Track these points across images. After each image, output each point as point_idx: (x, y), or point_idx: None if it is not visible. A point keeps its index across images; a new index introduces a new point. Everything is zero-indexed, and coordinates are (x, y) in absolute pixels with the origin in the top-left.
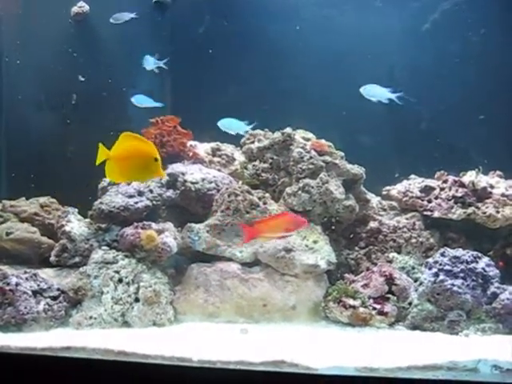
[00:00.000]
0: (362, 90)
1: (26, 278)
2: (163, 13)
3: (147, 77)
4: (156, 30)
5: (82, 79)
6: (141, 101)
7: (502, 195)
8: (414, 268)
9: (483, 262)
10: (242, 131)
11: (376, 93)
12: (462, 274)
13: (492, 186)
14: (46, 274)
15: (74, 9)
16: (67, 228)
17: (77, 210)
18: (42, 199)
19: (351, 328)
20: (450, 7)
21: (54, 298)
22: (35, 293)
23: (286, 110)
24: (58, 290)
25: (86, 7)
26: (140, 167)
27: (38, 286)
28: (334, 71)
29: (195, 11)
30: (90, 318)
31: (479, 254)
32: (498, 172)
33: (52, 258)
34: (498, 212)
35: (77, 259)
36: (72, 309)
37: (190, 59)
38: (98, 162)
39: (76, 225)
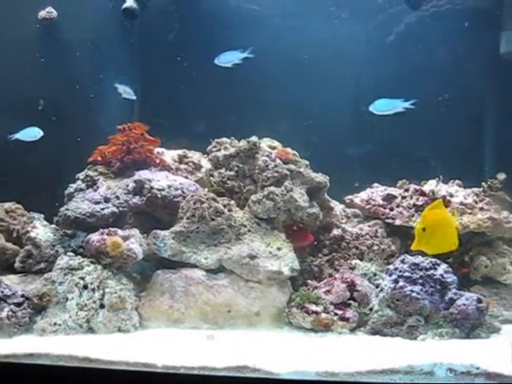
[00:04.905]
0: (371, 108)
1: None
2: (132, 20)
3: (114, 83)
4: (125, 37)
5: None
6: None
7: (461, 204)
8: (375, 274)
9: (441, 269)
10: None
11: (390, 106)
12: (420, 281)
13: (451, 195)
14: (10, 280)
15: (42, 13)
16: (32, 234)
17: (43, 215)
18: (7, 204)
19: (314, 333)
20: (414, 20)
21: (18, 305)
22: None
23: (253, 119)
24: (23, 296)
25: (54, 13)
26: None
27: (2, 292)
28: (302, 81)
29: (164, 19)
30: (55, 324)
31: (438, 261)
32: (458, 181)
33: (17, 264)
34: (456, 220)
35: (42, 265)
36: (36, 315)
37: (158, 66)
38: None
39: (41, 231)
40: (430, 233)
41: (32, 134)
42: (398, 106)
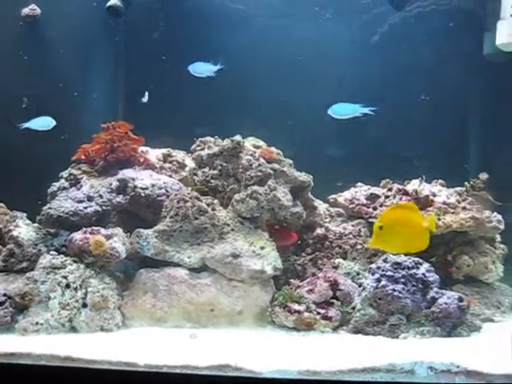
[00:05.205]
0: (330, 111)
1: None
2: (116, 18)
3: (99, 82)
4: (109, 35)
5: None
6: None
7: (444, 203)
8: (358, 274)
9: (423, 268)
10: None
11: (348, 110)
12: (402, 280)
13: (434, 194)
14: None
15: (25, 10)
16: (15, 233)
17: (25, 214)
18: None
19: (296, 332)
20: (398, 20)
21: (0, 304)
22: None
23: (238, 118)
24: (5, 295)
25: (38, 11)
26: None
27: None
28: (286, 80)
29: (149, 17)
30: (37, 323)
31: (420, 261)
32: (441, 181)
33: None
34: (439, 219)
35: (24, 264)
36: (18, 315)
37: (143, 65)
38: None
39: (24, 229)
40: (387, 232)
41: (45, 123)
42: (356, 110)
